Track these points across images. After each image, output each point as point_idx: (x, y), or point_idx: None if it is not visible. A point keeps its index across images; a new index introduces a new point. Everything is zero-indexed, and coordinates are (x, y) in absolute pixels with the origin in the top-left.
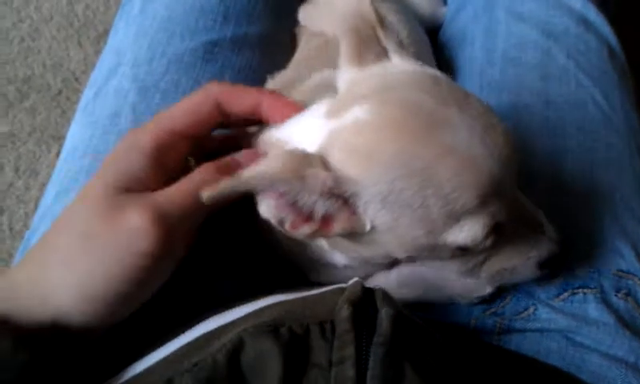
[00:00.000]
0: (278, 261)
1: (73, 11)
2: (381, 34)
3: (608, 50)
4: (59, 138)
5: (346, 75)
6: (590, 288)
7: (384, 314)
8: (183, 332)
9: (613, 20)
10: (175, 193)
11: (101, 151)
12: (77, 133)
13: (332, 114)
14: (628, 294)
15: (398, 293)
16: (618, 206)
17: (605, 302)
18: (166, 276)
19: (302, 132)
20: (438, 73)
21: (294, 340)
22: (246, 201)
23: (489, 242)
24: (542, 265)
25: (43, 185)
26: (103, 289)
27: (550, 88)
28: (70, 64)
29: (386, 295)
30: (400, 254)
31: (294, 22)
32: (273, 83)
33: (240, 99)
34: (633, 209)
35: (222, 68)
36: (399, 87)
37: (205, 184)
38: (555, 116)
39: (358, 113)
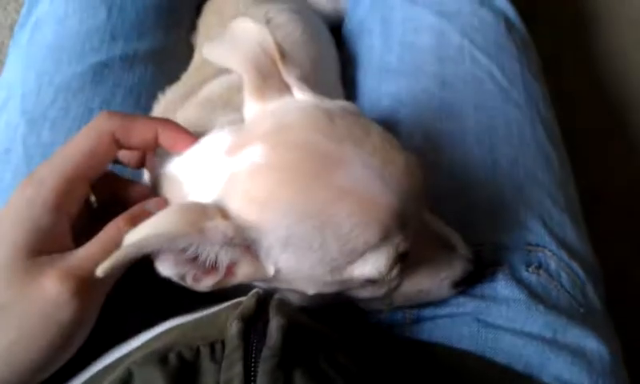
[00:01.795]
0: None
1: None
2: (282, 68)
3: (505, 23)
4: None
5: (250, 109)
6: (499, 266)
7: (274, 324)
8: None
9: None
10: (90, 253)
11: None
12: None
13: (231, 151)
14: (539, 267)
15: (315, 298)
16: (522, 180)
17: (515, 278)
18: (87, 333)
19: (202, 170)
20: (337, 106)
21: (182, 366)
22: None
23: (395, 272)
24: (457, 283)
25: None
26: (26, 359)
27: (446, 69)
28: None
29: (280, 304)
30: (310, 291)
31: (189, 32)
32: (164, 100)
33: (136, 132)
34: (538, 181)
35: (114, 88)
36: (293, 128)
37: (119, 238)
38: (452, 96)
39: (252, 156)
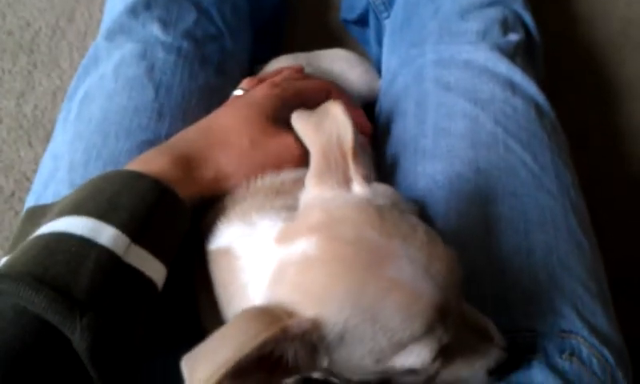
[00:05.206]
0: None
1: (21, 112)
2: (351, 164)
3: (535, 110)
4: None
5: (306, 195)
6: (534, 353)
7: None
8: None
9: (543, 79)
10: None
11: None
12: None
13: (282, 239)
14: (573, 354)
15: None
16: (556, 267)
17: (550, 365)
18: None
19: (253, 255)
20: (385, 201)
21: None
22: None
23: (437, 364)
24: (492, 371)
25: None
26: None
27: (480, 155)
28: (21, 165)
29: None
30: (353, 378)
31: None
32: None
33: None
34: (570, 268)
35: None
36: (346, 222)
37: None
38: (486, 183)
39: (305, 246)
